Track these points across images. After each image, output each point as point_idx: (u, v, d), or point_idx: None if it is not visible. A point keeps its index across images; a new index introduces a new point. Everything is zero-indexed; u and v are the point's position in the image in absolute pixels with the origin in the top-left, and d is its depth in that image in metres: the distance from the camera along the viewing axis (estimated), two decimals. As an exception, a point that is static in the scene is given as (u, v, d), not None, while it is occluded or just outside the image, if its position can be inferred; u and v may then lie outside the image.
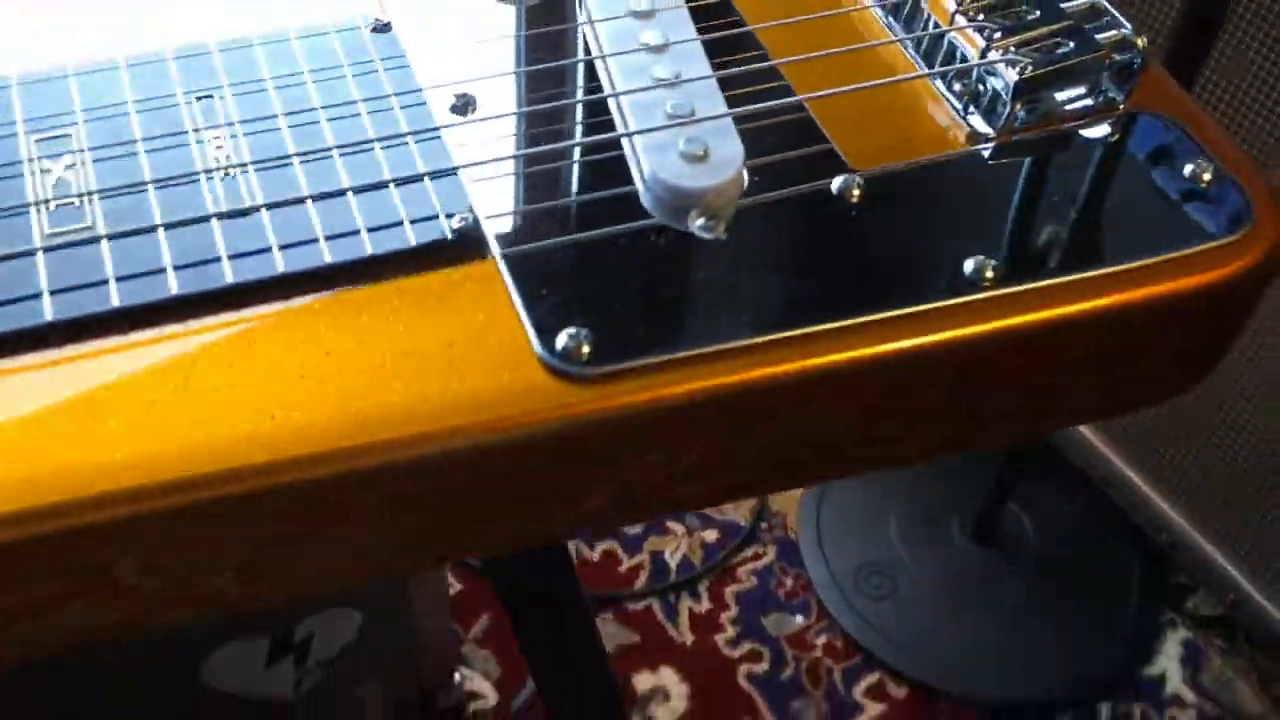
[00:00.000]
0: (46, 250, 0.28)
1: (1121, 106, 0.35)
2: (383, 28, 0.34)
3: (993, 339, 0.30)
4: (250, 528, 0.27)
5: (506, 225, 0.31)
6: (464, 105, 0.33)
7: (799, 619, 1.16)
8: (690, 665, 1.12)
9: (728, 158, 0.32)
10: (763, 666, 1.13)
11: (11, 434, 0.26)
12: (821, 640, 1.15)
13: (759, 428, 0.30)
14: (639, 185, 0.32)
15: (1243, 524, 1.10)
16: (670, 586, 1.17)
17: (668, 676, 1.12)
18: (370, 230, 0.30)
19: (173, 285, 0.28)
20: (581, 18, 0.35)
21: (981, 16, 0.35)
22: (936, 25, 0.35)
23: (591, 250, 0.30)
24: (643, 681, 1.11)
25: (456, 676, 1.07)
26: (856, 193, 0.32)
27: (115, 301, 0.28)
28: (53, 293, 0.28)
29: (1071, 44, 0.34)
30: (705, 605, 1.17)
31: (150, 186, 0.29)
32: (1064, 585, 1.19)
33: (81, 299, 0.28)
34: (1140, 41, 0.34)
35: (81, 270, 0.28)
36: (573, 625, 0.44)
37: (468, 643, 1.09)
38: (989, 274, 0.31)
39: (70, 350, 0.27)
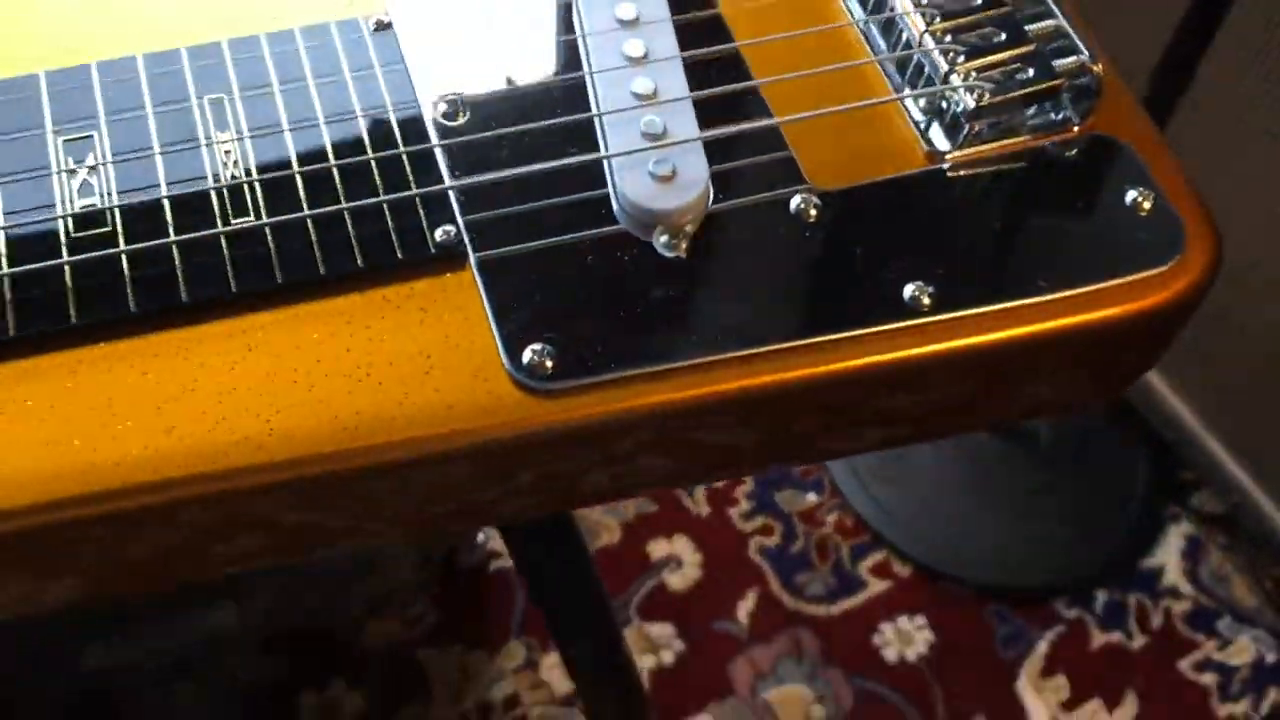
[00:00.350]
0: (72, 255, 0.32)
1: (1077, 129, 0.37)
2: (384, 27, 0.37)
3: (924, 362, 0.34)
4: (248, 515, 0.31)
5: (485, 237, 0.34)
6: (454, 112, 0.36)
7: (811, 496, 1.21)
8: (704, 536, 1.18)
9: (694, 179, 0.34)
10: (774, 540, 1.19)
11: (36, 430, 0.30)
12: (832, 518, 1.20)
13: (706, 436, 0.34)
14: (611, 195, 0.35)
15: (1249, 426, 1.13)
16: (689, 460, 1.22)
17: (681, 545, 1.18)
18: (360, 242, 0.33)
19: (183, 293, 0.32)
20: (575, 29, 0.37)
21: (949, 38, 0.36)
22: (909, 44, 0.37)
23: (560, 266, 0.34)
24: (657, 549, 1.17)
25: (479, 537, 1.14)
26: (814, 212, 0.35)
27: (131, 307, 0.32)
28: (76, 296, 0.32)
29: (1031, 71, 0.36)
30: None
31: (165, 197, 0.33)
32: (1072, 477, 1.22)
33: (102, 304, 0.32)
34: (1097, 68, 0.36)
35: (102, 276, 0.32)
36: (579, 581, 0.49)
37: (492, 505, 1.15)
38: (925, 301, 0.34)
39: (89, 351, 0.31)
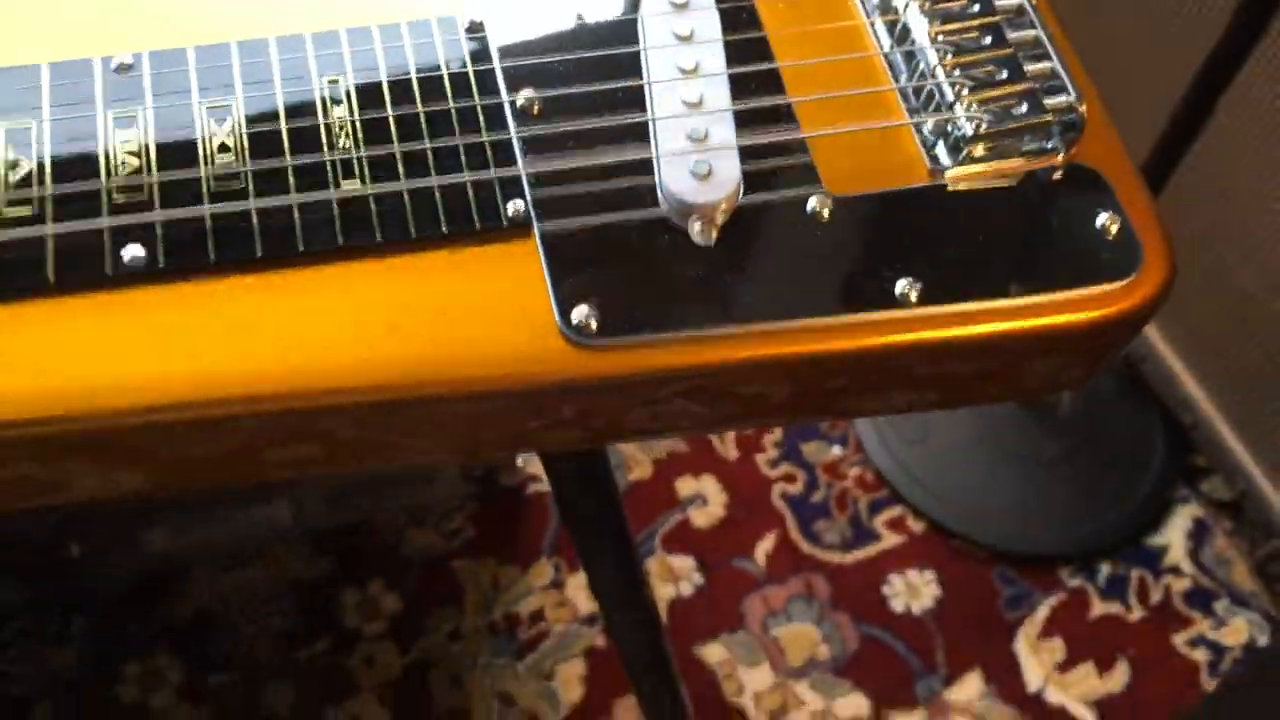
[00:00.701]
0: (212, 204, 0.40)
1: (1061, 158, 0.43)
2: (476, 27, 0.44)
3: (907, 348, 0.41)
4: (323, 428, 0.39)
5: (549, 213, 0.41)
6: (531, 105, 0.43)
7: (836, 450, 1.29)
8: (731, 478, 1.26)
9: (727, 179, 0.42)
10: (796, 488, 1.26)
11: (177, 344, 0.38)
12: (854, 472, 1.28)
13: (725, 394, 0.41)
14: (656, 185, 0.42)
15: (1263, 417, 1.18)
16: (721, 406, 1.29)
17: (709, 485, 1.26)
18: (446, 211, 0.41)
19: (299, 243, 0.40)
20: (639, 41, 0.44)
21: (958, 72, 0.43)
22: (925, 74, 0.44)
23: (609, 241, 0.41)
24: (685, 486, 1.25)
25: (519, 460, 1.22)
26: (826, 213, 0.42)
27: (258, 252, 0.39)
28: (214, 239, 0.39)
29: (1025, 106, 0.43)
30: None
31: (290, 165, 0.40)
32: (1088, 452, 1.29)
33: (233, 247, 0.39)
34: (1082, 108, 0.43)
35: (236, 224, 0.40)
36: (605, 512, 0.56)
37: (533, 432, 1.23)
38: (913, 296, 0.41)
39: (223, 283, 0.39)
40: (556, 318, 0.40)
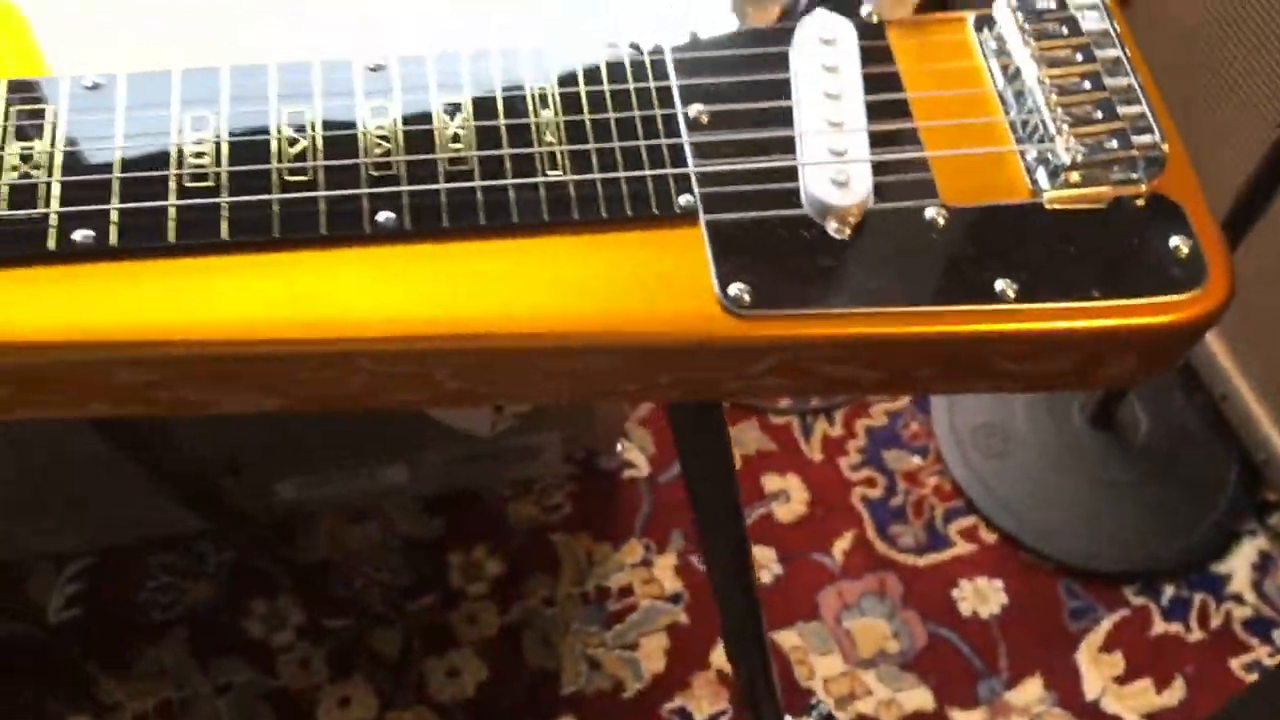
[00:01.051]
0: (447, 185, 0.50)
1: (1144, 188, 0.52)
2: (657, 51, 0.54)
3: (1002, 336, 0.50)
4: (494, 361, 0.50)
5: (713, 206, 0.51)
6: (700, 116, 0.53)
7: (916, 459, 1.37)
8: (813, 478, 1.35)
9: (861, 188, 0.51)
10: (876, 492, 1.35)
11: (427, 288, 0.48)
12: (932, 481, 1.36)
13: (837, 364, 0.51)
14: (801, 189, 0.52)
15: (1333, 460, 1.25)
16: (811, 409, 1.39)
17: (793, 483, 1.35)
18: (630, 199, 0.51)
19: (514, 215, 0.50)
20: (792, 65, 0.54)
21: (1060, 110, 0.53)
22: (1031, 109, 0.53)
23: (761, 232, 0.51)
24: (771, 482, 1.34)
25: (619, 446, 1.32)
26: (941, 221, 0.52)
27: (481, 221, 0.50)
28: (449, 210, 0.50)
29: (1115, 143, 0.52)
30: (838, 431, 1.38)
31: (507, 154, 0.51)
32: (1161, 478, 1.36)
33: (462, 217, 0.50)
34: (1165, 147, 0.52)
35: (465, 200, 0.50)
36: (718, 457, 0.66)
37: (631, 421, 1.34)
38: (1010, 293, 0.50)
39: (451, 246, 0.50)
40: (716, 290, 0.50)
